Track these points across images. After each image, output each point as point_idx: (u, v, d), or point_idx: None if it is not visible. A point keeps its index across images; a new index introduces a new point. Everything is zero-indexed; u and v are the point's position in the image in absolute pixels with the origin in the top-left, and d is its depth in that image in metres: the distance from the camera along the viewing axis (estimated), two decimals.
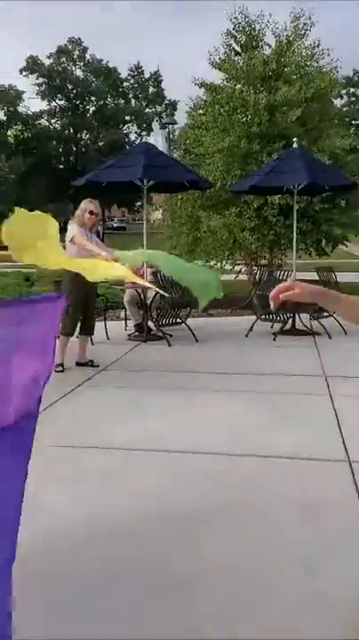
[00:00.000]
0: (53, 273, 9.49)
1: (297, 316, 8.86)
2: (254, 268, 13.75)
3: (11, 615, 1.58)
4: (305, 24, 13.74)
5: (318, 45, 13.85)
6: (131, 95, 60.55)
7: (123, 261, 7.06)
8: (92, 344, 7.22)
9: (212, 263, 13.87)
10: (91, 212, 6.66)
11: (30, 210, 3.13)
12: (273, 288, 1.65)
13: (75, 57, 58.08)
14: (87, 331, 6.83)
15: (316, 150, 12.39)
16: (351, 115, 40.82)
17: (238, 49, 14.29)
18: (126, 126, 60.43)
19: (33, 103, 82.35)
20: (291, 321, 8.85)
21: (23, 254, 2.83)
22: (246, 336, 8.68)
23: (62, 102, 58.71)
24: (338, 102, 15.18)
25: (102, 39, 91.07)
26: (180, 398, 5.60)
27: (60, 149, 58.42)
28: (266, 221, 12.72)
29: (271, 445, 4.27)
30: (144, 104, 60.38)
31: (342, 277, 10.80)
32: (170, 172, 8.59)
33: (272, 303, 1.67)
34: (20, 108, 58.40)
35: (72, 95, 58.11)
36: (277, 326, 8.95)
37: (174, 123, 30.91)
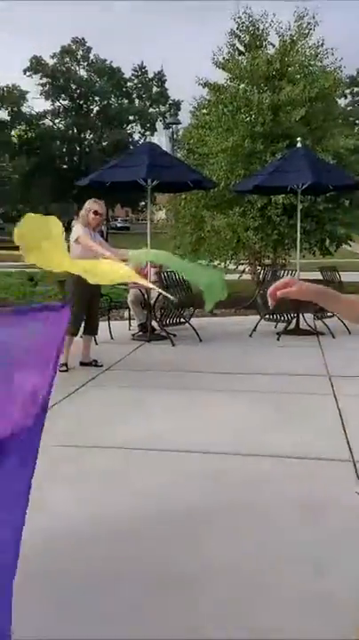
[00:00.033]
0: (57, 273, 9.51)
1: (301, 315, 8.85)
2: (258, 267, 13.75)
3: (11, 615, 1.58)
4: (309, 23, 13.73)
5: (322, 45, 13.85)
6: (134, 95, 60.57)
7: (132, 261, 7.09)
8: (96, 344, 7.23)
9: (216, 263, 13.86)
10: (95, 212, 6.66)
11: (33, 210, 3.19)
12: None
13: (78, 57, 58.13)
14: (91, 330, 6.84)
15: (320, 150, 12.38)
16: (355, 114, 40.72)
17: (242, 49, 14.28)
18: (130, 126, 60.45)
19: (37, 103, 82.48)
20: (294, 321, 8.85)
21: (31, 255, 2.88)
22: (250, 336, 8.67)
23: (66, 102, 58.75)
24: (342, 102, 15.17)
25: (106, 39, 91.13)
26: (184, 398, 5.60)
27: (64, 149, 58.48)
28: (269, 221, 12.71)
29: (274, 445, 4.27)
30: (148, 104, 60.38)
31: (346, 277, 10.79)
32: (174, 171, 8.59)
33: (270, 300, 1.66)
34: (24, 108, 58.45)
35: (76, 95, 58.15)
36: (281, 326, 8.95)
37: (178, 122, 30.92)
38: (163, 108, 59.29)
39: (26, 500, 1.62)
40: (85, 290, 6.10)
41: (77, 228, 6.57)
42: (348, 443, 4.25)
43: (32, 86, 56.64)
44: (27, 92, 57.38)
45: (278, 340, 8.42)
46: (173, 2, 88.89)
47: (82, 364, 6.71)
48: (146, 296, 8.51)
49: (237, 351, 7.78)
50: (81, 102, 58.79)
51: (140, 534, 3.06)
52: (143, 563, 2.80)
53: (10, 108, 57.79)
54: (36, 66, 55.39)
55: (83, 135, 59.06)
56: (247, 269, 14.31)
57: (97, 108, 59.86)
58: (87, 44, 57.71)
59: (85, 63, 58.47)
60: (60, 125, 59.23)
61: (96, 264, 4.18)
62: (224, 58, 14.02)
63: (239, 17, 13.91)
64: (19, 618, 1.57)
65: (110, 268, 3.86)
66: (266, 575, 2.70)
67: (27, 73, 55.69)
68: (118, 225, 55.92)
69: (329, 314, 8.73)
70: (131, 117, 59.53)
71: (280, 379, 6.30)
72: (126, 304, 9.16)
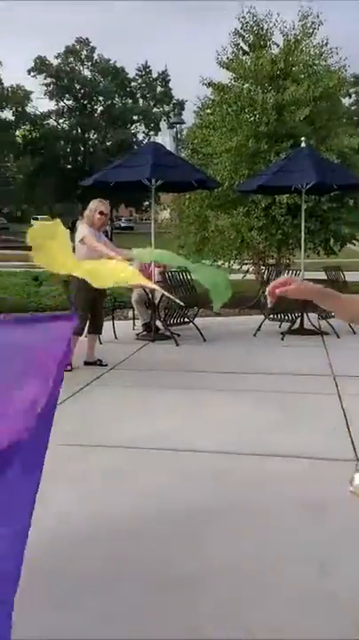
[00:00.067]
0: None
1: (305, 315, 8.84)
2: (262, 267, 13.74)
3: (10, 628, 1.57)
4: (313, 23, 13.72)
5: (326, 44, 13.83)
6: (138, 95, 60.59)
7: (137, 259, 7.11)
8: (101, 343, 7.24)
9: (220, 263, 13.87)
10: (101, 213, 6.67)
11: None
12: None
13: (82, 57, 58.18)
14: (95, 330, 6.85)
15: (325, 149, 12.36)
16: None
17: (246, 48, 14.28)
18: (134, 126, 60.48)
19: (41, 103, 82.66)
20: (299, 320, 8.84)
21: (39, 256, 2.98)
22: (254, 335, 8.67)
23: (70, 102, 58.82)
24: (346, 101, 15.14)
25: (109, 39, 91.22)
26: (188, 397, 5.61)
27: (68, 149, 58.55)
28: (274, 221, 12.70)
29: (279, 445, 4.27)
30: (152, 104, 60.40)
31: (351, 277, 10.77)
32: (178, 171, 8.60)
33: (269, 298, 1.66)
34: (29, 109, 58.53)
35: (80, 95, 58.22)
36: (285, 326, 8.94)
37: (182, 122, 30.94)
38: (167, 108, 59.31)
39: (29, 511, 1.61)
40: (90, 288, 6.10)
41: (82, 229, 6.58)
42: (353, 442, 4.25)
43: (36, 86, 56.77)
44: (31, 92, 57.48)
45: (282, 339, 8.42)
46: (177, 2, 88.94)
47: (86, 363, 6.72)
48: (150, 296, 8.51)
49: (241, 351, 7.78)
50: (85, 102, 58.86)
51: (143, 534, 3.07)
52: (146, 562, 2.81)
53: (14, 108, 57.87)
54: (41, 66, 55.48)
55: (87, 135, 59.13)
56: (251, 269, 14.30)
57: (101, 107, 59.93)
58: (91, 44, 57.76)
59: (89, 63, 58.53)
60: (64, 125, 59.32)
61: (99, 266, 4.19)
62: (228, 57, 14.03)
63: (243, 17, 13.93)
64: (19, 617, 1.58)
65: (114, 270, 3.88)
66: (268, 575, 2.70)
67: (32, 73, 55.80)
68: (122, 225, 55.90)
69: (333, 313, 8.72)
70: (135, 117, 59.57)
71: (284, 378, 6.30)
72: (130, 304, 9.17)
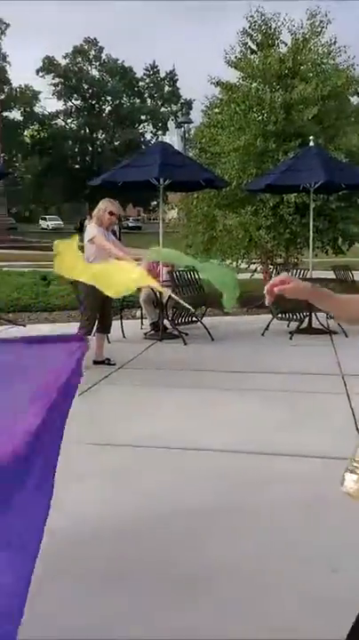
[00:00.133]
0: None
1: (313, 314, 8.83)
2: (270, 266, 13.73)
3: (19, 623, 1.58)
4: (321, 21, 13.69)
5: (334, 43, 13.80)
6: (146, 94, 60.68)
7: (147, 259, 7.15)
8: (109, 342, 7.26)
9: (228, 262, 13.85)
10: (111, 213, 6.69)
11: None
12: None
13: (90, 57, 58.32)
14: (104, 329, 6.87)
15: (333, 148, 12.33)
16: None
17: (254, 47, 14.26)
18: (142, 125, 60.59)
19: (49, 103, 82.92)
20: (307, 319, 8.82)
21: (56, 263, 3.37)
22: (262, 335, 8.66)
23: (78, 102, 58.98)
24: (354, 100, 15.05)
25: (117, 39, 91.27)
26: (196, 397, 5.61)
27: (76, 149, 58.72)
28: (282, 220, 12.68)
29: (287, 444, 4.26)
30: (159, 103, 60.48)
31: None
32: (186, 171, 8.60)
33: (268, 297, 1.64)
34: (37, 109, 58.79)
35: (88, 95, 58.36)
36: (294, 325, 8.93)
37: (190, 122, 30.97)
38: (174, 108, 59.38)
39: (35, 544, 1.61)
40: (98, 289, 6.12)
41: (92, 228, 6.60)
42: None
43: (44, 86, 56.98)
44: (39, 93, 57.77)
45: (291, 338, 8.40)
46: (185, 2, 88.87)
47: (95, 362, 6.74)
48: (158, 295, 8.52)
49: (249, 350, 7.77)
50: (93, 102, 59.00)
51: (149, 533, 3.07)
52: (151, 562, 2.81)
53: (23, 109, 58.12)
54: (49, 66, 55.68)
55: (95, 135, 59.28)
56: (259, 268, 14.28)
57: (109, 107, 60.06)
58: (99, 44, 57.88)
59: (97, 63, 58.68)
60: (73, 125, 59.49)
61: (108, 271, 4.19)
62: (236, 57, 14.02)
63: (251, 16, 13.91)
64: (25, 617, 1.59)
65: (123, 274, 3.89)
66: (272, 575, 2.70)
67: (40, 73, 56.02)
68: (130, 224, 55.99)
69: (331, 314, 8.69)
70: (142, 117, 59.66)
71: (292, 378, 6.29)
72: (138, 303, 9.18)
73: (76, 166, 57.78)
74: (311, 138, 9.65)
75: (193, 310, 7.29)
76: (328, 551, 2.87)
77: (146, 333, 8.67)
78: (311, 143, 9.43)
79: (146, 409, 5.19)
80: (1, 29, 55.01)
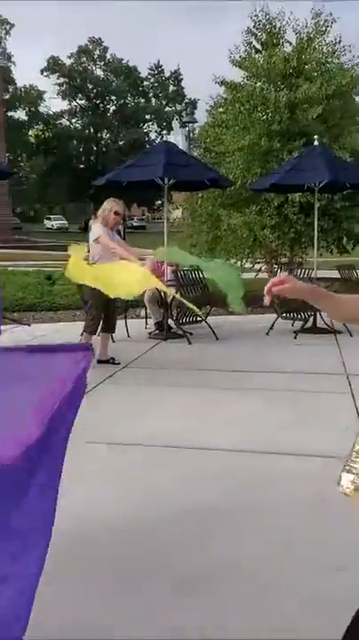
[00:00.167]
0: None
1: (318, 314, 8.82)
2: (275, 266, 13.73)
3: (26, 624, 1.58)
4: (326, 20, 13.68)
5: (339, 42, 13.80)
6: (151, 94, 60.68)
7: (152, 258, 7.18)
8: (114, 342, 7.27)
9: (232, 261, 13.85)
10: (116, 213, 6.71)
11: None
12: None
13: (95, 57, 58.36)
14: (109, 329, 6.88)
15: (337, 148, 12.32)
16: None
17: (259, 47, 14.26)
18: (146, 125, 60.59)
19: (54, 103, 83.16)
20: (312, 319, 8.81)
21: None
22: (267, 334, 8.65)
23: (83, 102, 59.03)
24: None
25: (121, 38, 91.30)
26: (200, 396, 5.62)
27: (81, 149, 58.77)
28: (286, 219, 12.68)
29: (291, 443, 4.26)
30: (164, 103, 60.46)
31: None
32: (190, 170, 8.61)
33: (266, 297, 1.65)
34: (41, 108, 58.87)
35: (92, 95, 58.40)
36: (298, 324, 8.92)
37: (194, 121, 30.92)
38: (179, 107, 59.36)
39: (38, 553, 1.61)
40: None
41: (97, 228, 6.62)
42: None
43: (49, 86, 57.09)
44: (44, 92, 57.84)
45: (295, 338, 8.40)
46: (189, 1, 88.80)
47: (99, 361, 6.74)
48: (162, 295, 8.53)
49: (254, 349, 7.77)
50: (97, 102, 59.04)
51: (152, 533, 3.07)
52: (153, 562, 2.81)
53: (27, 108, 58.22)
54: (54, 66, 55.74)
55: (99, 135, 59.31)
56: (263, 268, 14.28)
57: (113, 107, 60.08)
58: (104, 44, 57.92)
59: (102, 63, 58.70)
60: (77, 125, 59.54)
61: (113, 274, 4.20)
62: (241, 56, 14.03)
63: (256, 15, 13.91)
64: (31, 617, 1.60)
65: (127, 276, 3.90)
66: (275, 575, 2.70)
67: (45, 73, 56.07)
68: (134, 224, 56.02)
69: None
70: (147, 116, 59.66)
71: (297, 377, 6.29)
72: (143, 302, 9.19)
73: (81, 166, 57.83)
74: (315, 137, 9.64)
75: (197, 311, 7.30)
76: (331, 550, 2.87)
77: (150, 333, 8.68)
78: (315, 142, 9.42)
79: (150, 408, 5.20)
80: (6, 29, 55.16)
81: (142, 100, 60.12)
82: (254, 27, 14.04)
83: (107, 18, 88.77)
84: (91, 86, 57.98)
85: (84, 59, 57.77)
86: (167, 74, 59.48)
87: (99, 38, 57.77)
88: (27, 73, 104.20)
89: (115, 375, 6.32)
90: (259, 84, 13.67)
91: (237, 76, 14.27)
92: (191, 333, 8.31)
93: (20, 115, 58.87)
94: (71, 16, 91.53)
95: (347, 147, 12.66)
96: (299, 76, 13.35)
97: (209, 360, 7.19)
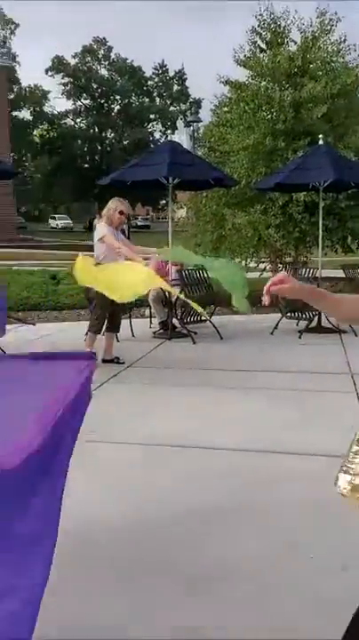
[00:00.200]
0: None
1: (322, 313, 8.80)
2: (279, 265, 13.71)
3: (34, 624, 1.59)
4: (330, 20, 13.66)
5: (344, 41, 13.77)
6: (155, 93, 60.66)
7: (157, 258, 7.21)
8: (118, 341, 7.28)
9: (237, 261, 13.84)
10: (121, 212, 6.72)
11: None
12: None
13: (100, 56, 58.38)
14: (113, 328, 6.89)
15: (342, 147, 12.30)
16: None
17: (263, 46, 14.24)
18: (151, 125, 60.57)
19: (58, 103, 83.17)
20: (316, 318, 8.80)
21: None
22: (271, 334, 8.65)
23: (87, 101, 59.04)
24: None
25: (126, 38, 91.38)
26: (205, 395, 5.62)
27: (85, 148, 58.77)
28: (291, 219, 12.66)
29: (296, 443, 4.26)
30: (168, 102, 60.45)
31: None
32: (195, 169, 8.61)
33: (266, 297, 1.65)
34: (46, 108, 58.91)
35: (97, 94, 58.41)
36: (303, 324, 8.91)
37: (199, 121, 30.94)
38: (183, 107, 59.29)
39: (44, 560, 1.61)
40: None
41: (101, 228, 6.63)
42: None
43: (54, 86, 57.09)
44: (49, 92, 57.86)
45: (300, 337, 8.39)
46: (192, 1, 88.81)
47: (104, 361, 6.75)
48: (167, 294, 8.53)
49: (258, 349, 7.77)
50: (102, 101, 59.05)
51: (153, 533, 3.07)
52: (155, 562, 2.81)
53: (32, 108, 58.29)
54: (58, 65, 55.76)
55: (104, 134, 59.33)
56: (268, 267, 14.27)
57: (118, 106, 60.08)
58: (108, 44, 57.93)
59: (106, 62, 58.70)
60: (82, 125, 59.56)
61: (118, 276, 4.21)
62: (245, 55, 14.01)
63: (260, 14, 13.89)
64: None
65: (132, 277, 3.91)
66: (277, 574, 2.69)
67: (49, 73, 56.09)
68: (139, 223, 55.99)
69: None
70: (151, 116, 59.64)
71: (301, 377, 6.29)
72: (147, 302, 9.19)
73: (86, 165, 57.84)
74: (320, 136, 9.62)
75: (202, 311, 7.30)
76: (334, 550, 2.86)
77: (155, 332, 8.68)
78: (320, 142, 9.40)
79: (154, 407, 5.20)
80: (10, 29, 55.23)
81: (147, 100, 60.10)
82: (259, 26, 14.03)
83: (107, 18, 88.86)
84: (95, 86, 58.00)
85: (89, 58, 57.79)
86: (171, 73, 59.49)
87: (104, 38, 57.84)
88: (31, 73, 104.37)
89: (119, 374, 6.33)
90: (263, 83, 13.66)
91: (242, 75, 14.28)
92: (195, 333, 8.31)
93: (25, 114, 59.00)
94: (71, 16, 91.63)
95: (352, 146, 12.64)
96: (304, 75, 13.33)
97: (213, 359, 7.19)
